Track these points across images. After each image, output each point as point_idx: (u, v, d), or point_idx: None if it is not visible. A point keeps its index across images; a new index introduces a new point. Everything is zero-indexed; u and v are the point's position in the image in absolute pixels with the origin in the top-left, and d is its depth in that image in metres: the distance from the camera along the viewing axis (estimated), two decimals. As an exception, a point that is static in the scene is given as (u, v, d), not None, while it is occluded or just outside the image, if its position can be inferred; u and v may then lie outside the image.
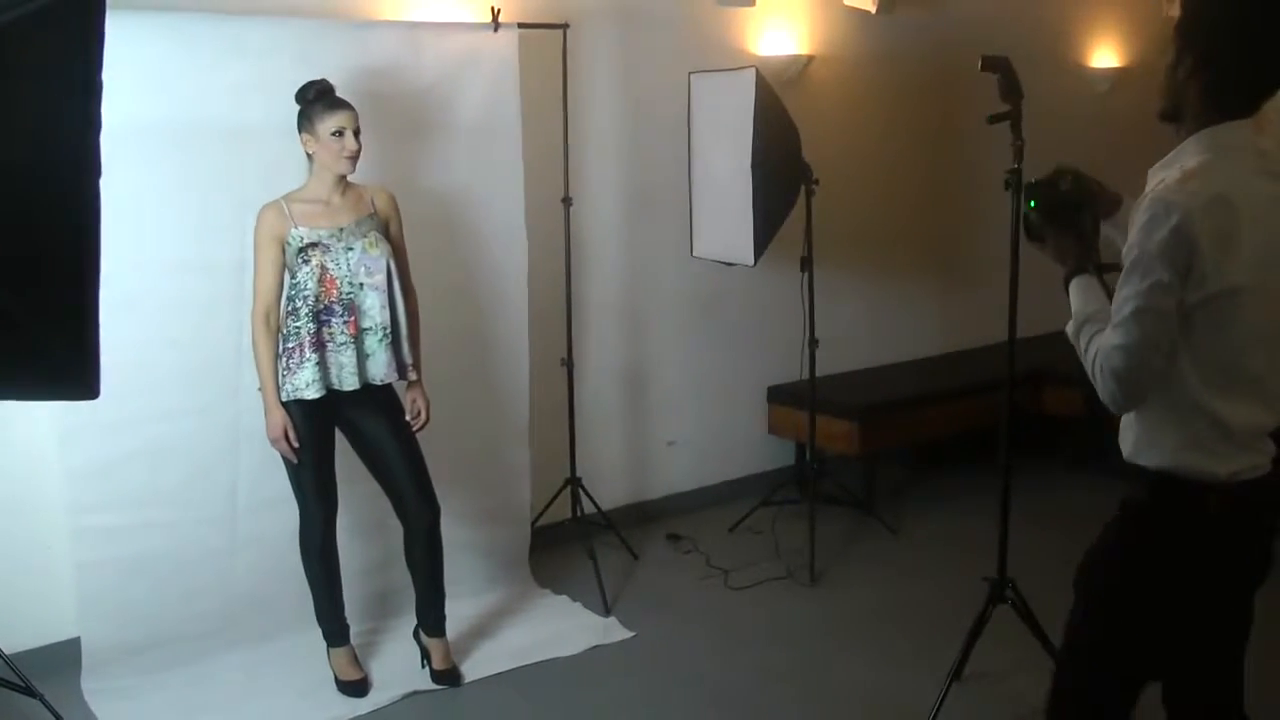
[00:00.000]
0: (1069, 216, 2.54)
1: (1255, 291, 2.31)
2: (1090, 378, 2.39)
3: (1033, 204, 2.61)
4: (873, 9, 5.91)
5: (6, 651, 3.69)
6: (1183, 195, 2.23)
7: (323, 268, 3.76)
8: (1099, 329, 2.39)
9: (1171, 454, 2.42)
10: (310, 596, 4.05)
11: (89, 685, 4.05)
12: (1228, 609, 2.54)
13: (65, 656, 4.11)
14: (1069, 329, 2.48)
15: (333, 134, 3.74)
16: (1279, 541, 2.55)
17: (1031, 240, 2.67)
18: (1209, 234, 2.22)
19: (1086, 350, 2.41)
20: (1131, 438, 2.50)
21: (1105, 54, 7.32)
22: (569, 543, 5.08)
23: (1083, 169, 2.62)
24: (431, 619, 4.13)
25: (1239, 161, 2.31)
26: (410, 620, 4.23)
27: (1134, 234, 2.29)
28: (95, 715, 3.92)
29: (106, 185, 2.55)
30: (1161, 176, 2.34)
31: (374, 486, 4.06)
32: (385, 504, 4.06)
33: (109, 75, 2.48)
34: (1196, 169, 2.29)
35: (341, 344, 3.80)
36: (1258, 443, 2.43)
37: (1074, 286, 2.51)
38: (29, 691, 3.60)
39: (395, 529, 4.09)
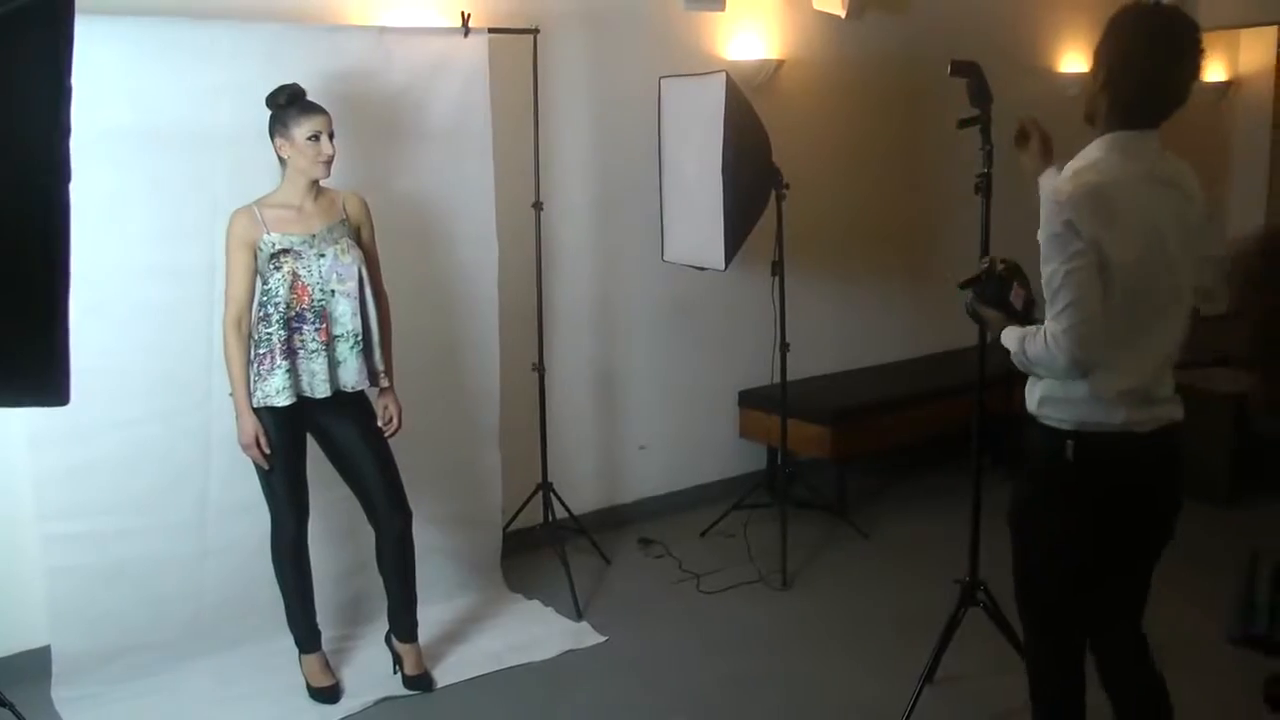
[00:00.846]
0: (998, 294, 2.83)
1: (1131, 267, 2.58)
2: (1047, 357, 2.59)
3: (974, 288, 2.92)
4: (842, 13, 5.94)
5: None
6: (1068, 186, 2.58)
7: (294, 274, 3.75)
8: (1036, 332, 2.65)
9: (1038, 401, 2.74)
10: (282, 603, 4.03)
11: (60, 693, 4.02)
12: (1107, 559, 2.78)
13: (36, 665, 4.08)
14: (1015, 358, 2.71)
15: (309, 138, 3.72)
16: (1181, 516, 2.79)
17: (974, 320, 3.02)
18: (1088, 216, 2.54)
19: (1032, 343, 2.63)
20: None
21: (1074, 58, 7.38)
22: (540, 547, 5.07)
23: (1008, 256, 2.91)
24: (403, 624, 4.12)
25: (1128, 163, 2.61)
26: (382, 626, 4.21)
27: (1042, 219, 2.59)
28: (65, 724, 3.90)
29: (76, 190, 2.53)
30: (1072, 168, 2.68)
31: (345, 492, 4.05)
32: (357, 510, 4.05)
33: (78, 79, 2.47)
34: (1086, 165, 2.65)
35: (313, 351, 3.79)
36: (1125, 400, 2.64)
37: (1005, 335, 2.77)
38: (-2, 701, 3.58)
39: (367, 535, 4.07)
